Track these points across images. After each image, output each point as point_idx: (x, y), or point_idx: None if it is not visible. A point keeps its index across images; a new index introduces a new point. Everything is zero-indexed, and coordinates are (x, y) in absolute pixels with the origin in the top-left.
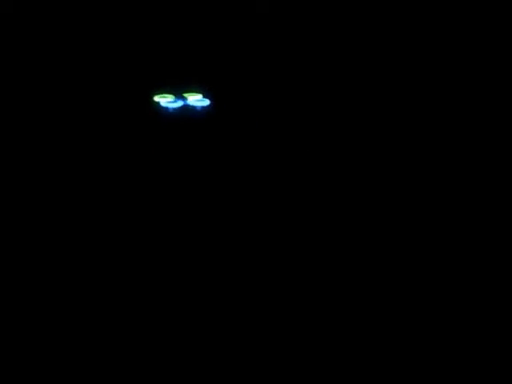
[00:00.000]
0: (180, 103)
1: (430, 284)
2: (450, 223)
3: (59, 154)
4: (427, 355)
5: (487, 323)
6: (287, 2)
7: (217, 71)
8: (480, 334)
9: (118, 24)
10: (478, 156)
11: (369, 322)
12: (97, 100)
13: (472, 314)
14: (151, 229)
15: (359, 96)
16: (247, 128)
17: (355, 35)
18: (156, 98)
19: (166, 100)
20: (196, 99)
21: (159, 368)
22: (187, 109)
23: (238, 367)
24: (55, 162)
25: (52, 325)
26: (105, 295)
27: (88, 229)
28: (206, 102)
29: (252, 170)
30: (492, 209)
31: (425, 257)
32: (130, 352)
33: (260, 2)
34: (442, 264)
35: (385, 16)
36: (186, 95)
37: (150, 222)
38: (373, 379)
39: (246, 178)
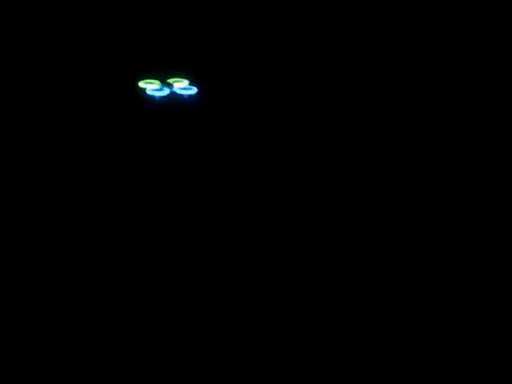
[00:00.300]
0: (167, 91)
1: (430, 284)
2: (450, 223)
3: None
4: (427, 355)
5: (487, 323)
6: None
7: (205, 54)
8: (480, 334)
9: (100, 4)
10: (477, 156)
11: (369, 322)
12: (77, 85)
13: (472, 314)
14: (137, 222)
15: (352, 87)
16: (239, 120)
17: (354, 29)
18: (141, 84)
19: (151, 87)
20: (182, 86)
21: (159, 368)
22: (175, 97)
23: (238, 367)
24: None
25: (52, 325)
26: (102, 292)
27: (69, 219)
28: (193, 90)
29: (244, 165)
30: (492, 209)
31: (425, 257)
32: (130, 352)
33: None
34: (442, 264)
35: (385, 17)
36: (171, 81)
37: (137, 216)
38: (373, 379)
39: (238, 173)
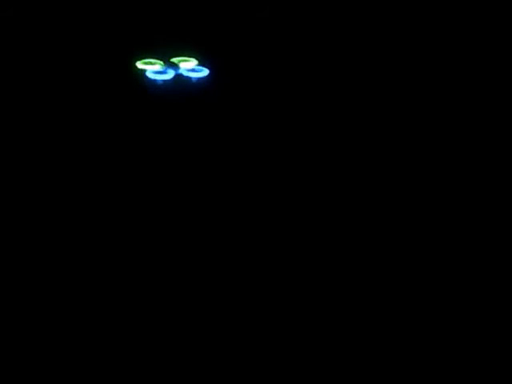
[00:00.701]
0: (171, 73)
1: (430, 284)
2: (451, 223)
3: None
4: (427, 355)
5: (487, 323)
6: None
7: (216, 27)
8: (480, 334)
9: None
10: (477, 156)
11: (369, 322)
12: (69, 68)
13: (472, 314)
14: (140, 216)
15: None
16: (256, 107)
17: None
18: (140, 65)
19: (152, 69)
20: (190, 67)
21: (159, 368)
22: (181, 81)
23: (237, 367)
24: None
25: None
26: (100, 291)
27: (68, 213)
28: (204, 72)
29: (258, 157)
30: (492, 209)
31: (425, 257)
32: (130, 352)
33: None
34: (442, 264)
35: (385, 18)
36: (176, 61)
37: (140, 210)
38: (373, 379)
39: (250, 166)
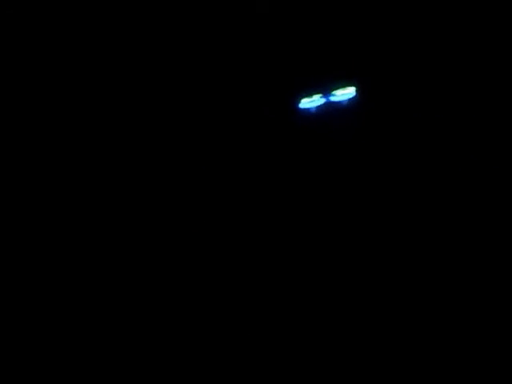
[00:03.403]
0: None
1: (431, 284)
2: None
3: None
4: (427, 355)
5: (487, 323)
6: None
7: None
8: (480, 334)
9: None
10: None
11: (369, 322)
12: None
13: (472, 314)
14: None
15: None
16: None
17: None
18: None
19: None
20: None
21: (159, 368)
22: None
23: (238, 367)
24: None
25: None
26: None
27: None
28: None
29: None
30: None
31: (425, 257)
32: (130, 352)
33: None
34: (442, 264)
35: (385, 17)
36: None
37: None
38: (373, 379)
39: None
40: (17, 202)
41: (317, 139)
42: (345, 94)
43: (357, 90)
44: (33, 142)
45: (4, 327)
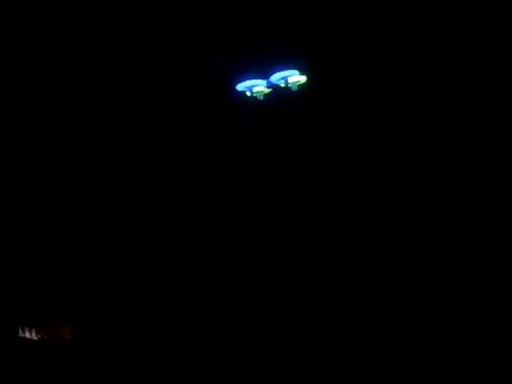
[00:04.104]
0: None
1: (430, 284)
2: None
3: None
4: (427, 355)
5: (487, 323)
6: None
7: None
8: (480, 334)
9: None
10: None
11: (368, 323)
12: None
13: (472, 314)
14: None
15: None
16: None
17: None
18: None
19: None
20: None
21: (159, 368)
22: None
23: (237, 367)
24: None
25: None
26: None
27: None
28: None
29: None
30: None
31: (425, 257)
32: (131, 352)
33: None
34: (442, 264)
35: (386, 16)
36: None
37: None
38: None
39: None
40: (17, 202)
41: (259, 125)
42: (295, 81)
43: (308, 79)
44: (33, 142)
45: (4, 327)
